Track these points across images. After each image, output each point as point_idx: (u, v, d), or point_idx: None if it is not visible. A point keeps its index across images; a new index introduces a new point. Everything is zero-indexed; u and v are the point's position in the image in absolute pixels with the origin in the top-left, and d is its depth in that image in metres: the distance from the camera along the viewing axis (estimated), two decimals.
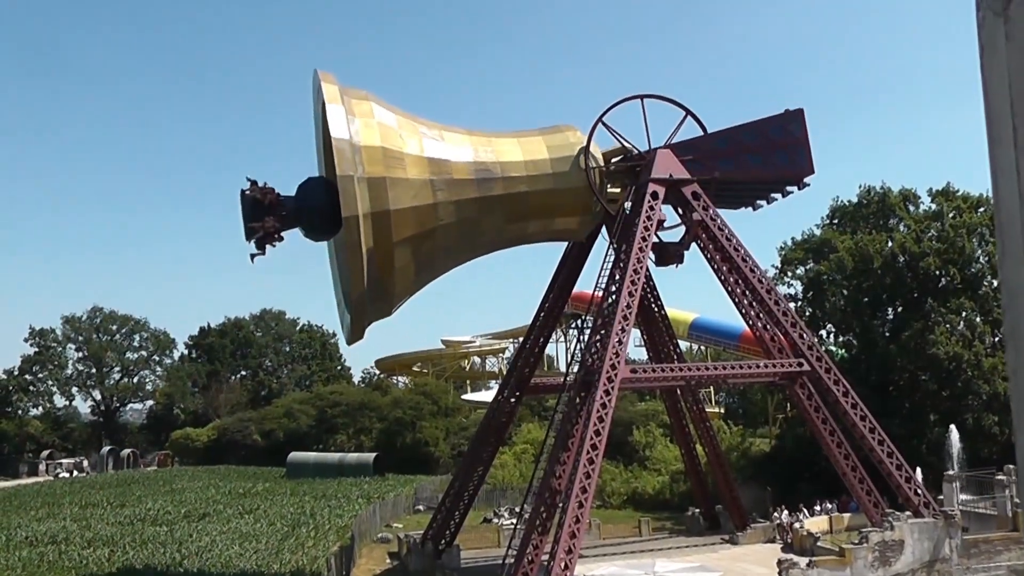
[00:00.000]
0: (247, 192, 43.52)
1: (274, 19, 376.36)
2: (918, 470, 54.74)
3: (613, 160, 50.68)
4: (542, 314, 54.56)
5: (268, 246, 43.96)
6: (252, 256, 43.75)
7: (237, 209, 43.26)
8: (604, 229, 51.37)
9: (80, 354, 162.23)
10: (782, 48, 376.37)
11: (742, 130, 49.38)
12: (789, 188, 50.61)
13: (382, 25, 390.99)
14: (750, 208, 53.28)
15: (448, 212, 44.44)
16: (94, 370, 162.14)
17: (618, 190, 50.74)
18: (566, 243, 53.49)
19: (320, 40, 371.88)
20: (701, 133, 50.43)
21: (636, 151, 49.95)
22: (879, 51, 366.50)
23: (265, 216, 43.11)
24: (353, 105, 42.39)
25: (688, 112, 50.45)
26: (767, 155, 48.87)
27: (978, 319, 68.92)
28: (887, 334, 71.20)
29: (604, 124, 49.04)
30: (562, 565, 38.56)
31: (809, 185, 49.70)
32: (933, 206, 73.89)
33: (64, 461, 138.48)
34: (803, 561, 42.30)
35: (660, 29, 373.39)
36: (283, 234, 44.04)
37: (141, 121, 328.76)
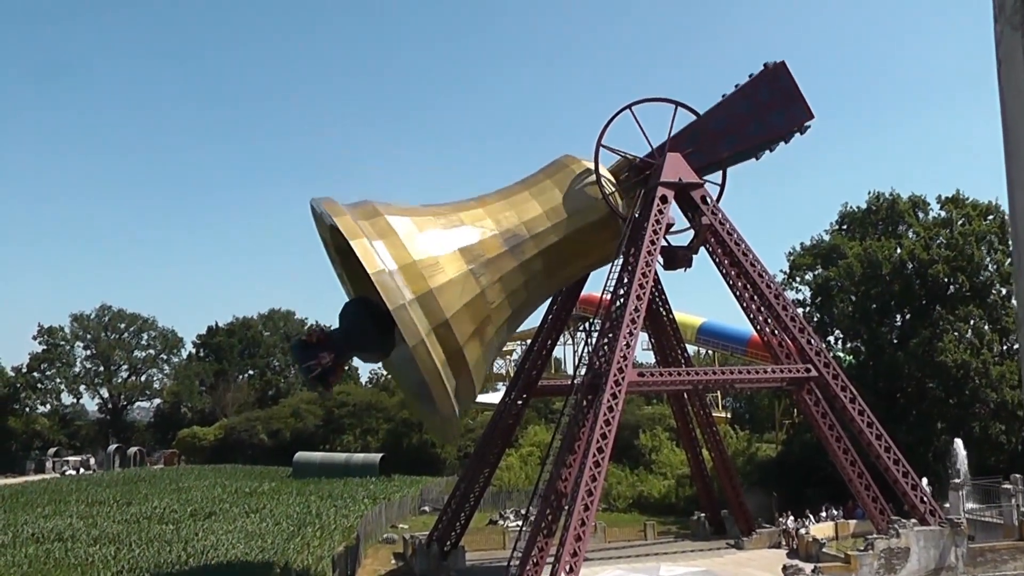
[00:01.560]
0: (295, 340, 44.47)
1: (279, 20, 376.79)
2: (923, 479, 54.83)
3: (622, 176, 50.75)
4: (550, 316, 54.63)
5: (331, 378, 45.53)
6: (320, 393, 45.40)
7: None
8: None
9: (88, 352, 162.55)
10: (790, 52, 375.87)
11: (734, 102, 49.19)
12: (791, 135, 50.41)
13: (375, 27, 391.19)
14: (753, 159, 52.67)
15: (496, 292, 44.54)
16: (102, 368, 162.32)
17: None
18: None
19: (320, 38, 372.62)
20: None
21: (638, 159, 49.97)
22: (889, 57, 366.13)
23: (318, 354, 43.98)
24: (370, 227, 42.06)
25: (678, 105, 50.28)
26: (765, 118, 48.73)
27: (986, 327, 68.64)
28: (895, 341, 71.08)
29: (604, 146, 48.99)
30: (567, 568, 38.60)
31: (810, 127, 49.55)
32: (942, 213, 73.77)
33: (71, 459, 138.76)
34: (808, 567, 42.30)
35: (667, 30, 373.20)
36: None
37: (151, 120, 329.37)
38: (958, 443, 57.70)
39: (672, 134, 49.59)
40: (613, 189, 48.78)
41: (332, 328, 46.79)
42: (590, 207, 48.05)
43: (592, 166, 48.41)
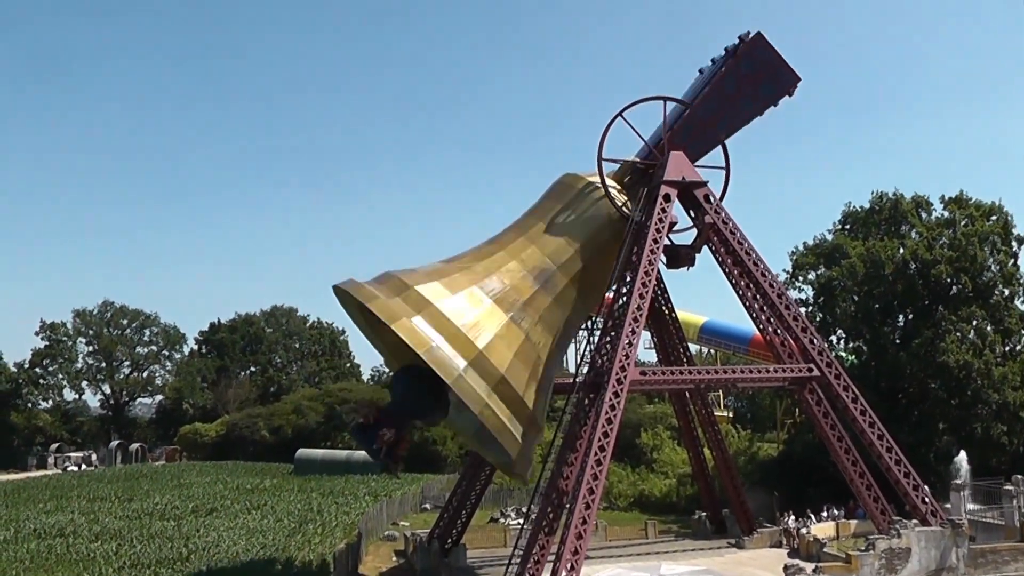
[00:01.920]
0: (353, 425, 48.75)
1: (284, 20, 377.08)
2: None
3: (626, 179, 50.79)
4: None
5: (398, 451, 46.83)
6: (391, 473, 46.36)
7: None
8: None
9: (90, 348, 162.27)
10: (795, 50, 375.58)
11: (720, 83, 48.61)
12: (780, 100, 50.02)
13: (378, 26, 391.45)
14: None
15: (539, 332, 44.93)
16: (104, 364, 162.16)
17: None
18: None
19: (325, 37, 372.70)
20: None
21: (639, 161, 49.98)
22: (894, 58, 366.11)
23: (378, 433, 45.03)
24: (405, 304, 42.53)
25: (667, 100, 50.28)
26: (754, 92, 48.36)
27: (989, 328, 68.60)
28: (897, 341, 70.98)
29: (605, 159, 48.99)
30: (568, 566, 38.64)
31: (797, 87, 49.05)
32: (945, 214, 73.62)
33: (73, 455, 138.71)
34: (809, 567, 42.36)
35: (668, 29, 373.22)
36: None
37: (154, 117, 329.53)
38: (962, 455, 57.70)
39: (667, 131, 49.55)
40: (625, 199, 48.97)
41: (386, 403, 47.81)
42: (606, 223, 48.44)
43: (595, 179, 48.57)
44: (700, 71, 50.98)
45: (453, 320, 42.29)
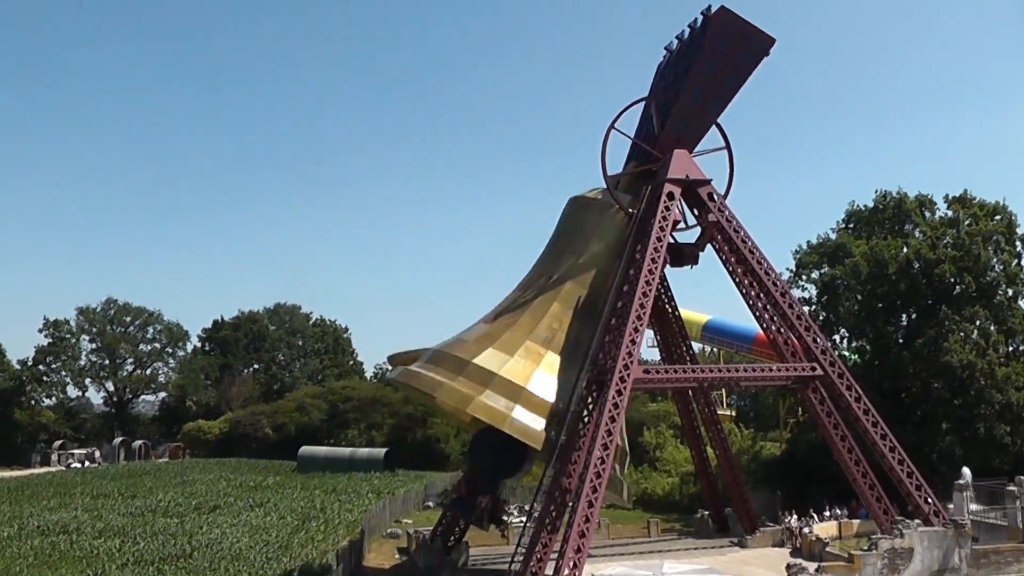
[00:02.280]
0: (451, 502, 52.27)
1: (291, 13, 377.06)
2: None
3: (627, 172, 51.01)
4: None
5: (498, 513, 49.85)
6: (502, 533, 53.07)
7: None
8: None
9: (94, 345, 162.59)
10: (798, 49, 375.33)
11: (699, 69, 47.98)
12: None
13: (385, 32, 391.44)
14: None
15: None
16: (107, 361, 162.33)
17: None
18: None
19: (331, 32, 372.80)
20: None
21: (639, 167, 50.02)
22: (898, 56, 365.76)
23: (475, 502, 48.08)
24: (471, 383, 44.30)
25: (654, 99, 50.34)
26: (734, 66, 47.73)
27: (992, 328, 68.55)
28: (900, 340, 70.95)
29: (610, 178, 49.14)
30: (571, 564, 38.63)
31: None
32: (949, 213, 73.55)
33: (76, 452, 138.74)
34: (812, 566, 42.30)
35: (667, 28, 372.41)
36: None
37: (159, 113, 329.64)
38: (966, 472, 57.75)
39: (663, 131, 49.53)
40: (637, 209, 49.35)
41: (473, 474, 50.25)
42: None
43: (601, 195, 49.22)
44: (666, 49, 50.61)
45: (520, 383, 43.98)
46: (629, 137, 49.53)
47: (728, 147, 51.42)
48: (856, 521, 59.05)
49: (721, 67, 47.55)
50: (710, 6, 47.67)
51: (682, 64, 49.75)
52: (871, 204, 76.82)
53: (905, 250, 70.56)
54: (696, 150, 50.09)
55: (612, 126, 49.05)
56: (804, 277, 76.74)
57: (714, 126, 50.87)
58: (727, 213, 48.46)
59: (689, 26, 49.21)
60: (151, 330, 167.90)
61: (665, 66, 52.84)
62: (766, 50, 47.29)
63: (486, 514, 47.37)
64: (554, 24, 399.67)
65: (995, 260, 69.60)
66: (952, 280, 68.29)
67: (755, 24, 46.99)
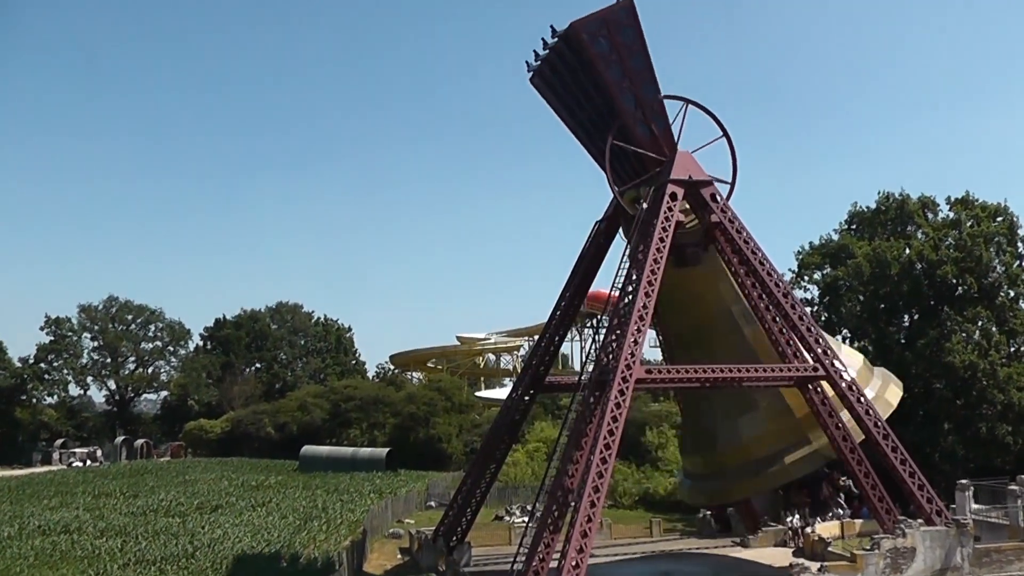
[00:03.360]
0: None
1: (293, 12, 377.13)
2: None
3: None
4: (558, 312, 54.51)
5: None
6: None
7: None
8: (621, 229, 51.35)
9: (95, 343, 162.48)
10: (800, 50, 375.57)
11: (609, 79, 46.29)
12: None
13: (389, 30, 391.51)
14: None
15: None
16: (109, 360, 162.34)
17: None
18: (584, 242, 53.50)
19: (333, 31, 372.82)
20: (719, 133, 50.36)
21: (643, 179, 49.77)
22: (901, 57, 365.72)
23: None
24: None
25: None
26: (625, 50, 45.96)
27: (994, 329, 68.60)
28: (903, 341, 71.02)
29: (619, 196, 49.26)
30: (573, 564, 38.61)
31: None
32: (951, 214, 73.66)
33: (78, 450, 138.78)
34: (814, 566, 42.31)
35: (672, 29, 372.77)
36: None
37: (161, 112, 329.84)
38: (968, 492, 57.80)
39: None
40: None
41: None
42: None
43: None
44: (527, 64, 49.58)
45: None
46: (631, 146, 49.26)
47: (727, 136, 51.09)
48: (858, 521, 58.96)
49: (620, 60, 46.28)
50: (553, 28, 46.75)
51: (580, 85, 49.04)
52: (874, 205, 76.92)
53: (907, 251, 70.69)
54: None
55: (613, 140, 48.87)
56: (806, 278, 76.86)
57: (711, 118, 50.67)
58: (729, 214, 48.42)
59: (547, 45, 47.92)
60: (153, 328, 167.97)
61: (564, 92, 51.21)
62: (631, 11, 45.74)
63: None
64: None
65: (997, 261, 69.77)
66: (954, 281, 68.39)
67: (603, 8, 45.42)
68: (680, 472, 57.02)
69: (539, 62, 49.00)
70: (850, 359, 52.97)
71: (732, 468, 53.10)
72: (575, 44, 46.11)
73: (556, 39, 46.73)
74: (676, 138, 49.08)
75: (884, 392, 54.14)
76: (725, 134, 50.85)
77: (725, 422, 53.27)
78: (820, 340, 47.83)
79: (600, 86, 47.06)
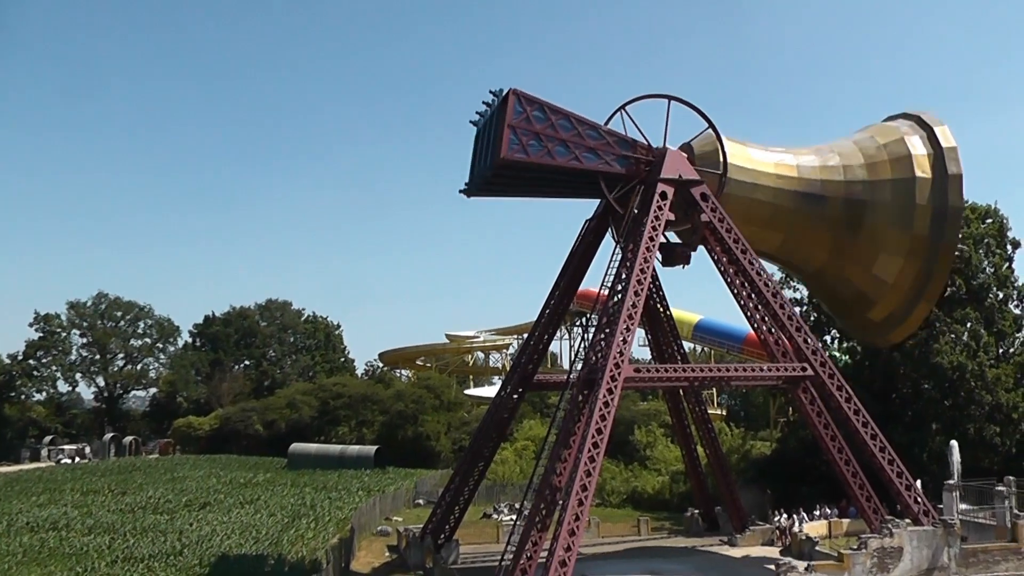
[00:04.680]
0: None
1: (278, 9, 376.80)
2: (918, 481, 54.93)
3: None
4: (547, 311, 54.62)
5: None
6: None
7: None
8: (612, 228, 51.40)
9: (84, 340, 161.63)
10: (790, 51, 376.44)
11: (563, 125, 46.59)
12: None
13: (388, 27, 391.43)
14: None
15: None
16: (98, 356, 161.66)
17: None
18: (574, 240, 53.60)
19: (322, 28, 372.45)
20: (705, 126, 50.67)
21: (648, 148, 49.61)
22: (886, 59, 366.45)
23: None
24: None
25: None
26: (560, 137, 46.20)
27: (983, 330, 68.66)
28: None
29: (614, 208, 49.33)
30: (560, 562, 38.66)
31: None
32: None
33: (66, 447, 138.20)
34: (801, 565, 42.41)
35: (678, 31, 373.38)
36: None
37: (150, 109, 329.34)
38: (954, 446, 57.83)
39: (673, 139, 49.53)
40: None
41: None
42: None
43: None
44: (473, 124, 49.39)
45: None
46: (636, 125, 49.41)
47: (712, 126, 51.20)
48: (846, 520, 59.17)
49: (555, 138, 45.92)
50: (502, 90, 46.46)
51: (535, 178, 49.11)
52: None
53: None
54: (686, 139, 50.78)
55: (623, 108, 49.11)
56: (795, 278, 76.83)
57: (694, 111, 50.76)
58: (719, 213, 48.53)
59: (490, 107, 47.49)
60: (142, 325, 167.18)
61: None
62: (523, 99, 45.45)
63: None
64: (535, 24, 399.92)
65: (986, 263, 69.84)
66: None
67: (505, 115, 45.06)
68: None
69: (476, 184, 49.26)
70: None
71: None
72: (512, 165, 45.98)
73: (491, 168, 46.36)
74: (664, 135, 49.31)
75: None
76: (710, 124, 50.99)
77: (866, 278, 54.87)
78: (809, 340, 47.94)
79: (556, 169, 47.05)
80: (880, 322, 55.81)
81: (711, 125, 50.92)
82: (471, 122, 48.98)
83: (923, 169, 52.59)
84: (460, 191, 49.80)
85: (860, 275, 54.24)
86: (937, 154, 52.96)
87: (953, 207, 52.30)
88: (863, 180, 53.03)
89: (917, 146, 53.44)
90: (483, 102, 47.56)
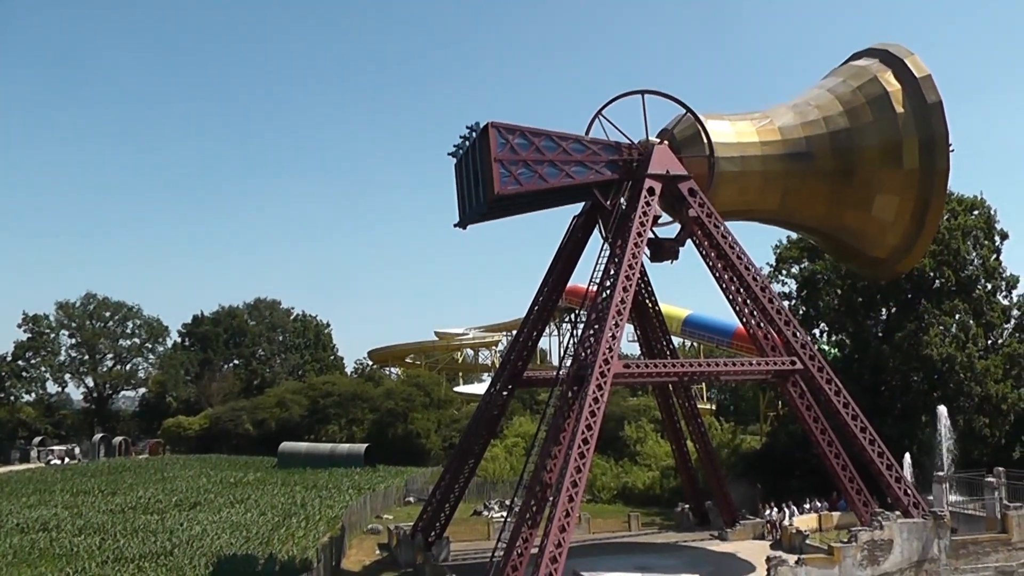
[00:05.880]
0: None
1: (267, 19, 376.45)
2: (907, 464, 55.02)
3: None
4: (536, 307, 54.55)
5: None
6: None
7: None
8: (600, 224, 51.37)
9: (73, 340, 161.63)
10: (780, 50, 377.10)
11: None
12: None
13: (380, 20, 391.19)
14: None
15: None
16: (87, 356, 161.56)
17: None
18: (562, 237, 53.60)
19: (305, 35, 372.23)
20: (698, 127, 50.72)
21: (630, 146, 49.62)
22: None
23: None
24: None
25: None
26: (546, 158, 46.24)
27: (971, 321, 68.77)
28: (880, 334, 71.17)
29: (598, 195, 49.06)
30: (551, 559, 38.62)
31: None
32: None
33: (56, 448, 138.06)
34: (792, 559, 42.37)
35: (668, 26, 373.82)
36: None
37: (139, 111, 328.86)
38: (941, 409, 58.04)
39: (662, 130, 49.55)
40: None
41: None
42: None
43: None
44: (452, 155, 49.32)
45: None
46: (616, 127, 49.46)
47: (692, 112, 51.22)
48: (836, 513, 59.21)
49: (542, 161, 45.96)
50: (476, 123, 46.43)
51: (527, 200, 49.19)
52: None
53: None
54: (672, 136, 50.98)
55: (599, 114, 49.13)
56: (784, 272, 76.86)
57: (673, 101, 50.83)
58: (707, 208, 48.53)
59: (467, 140, 47.51)
60: (131, 325, 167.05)
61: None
62: (504, 129, 45.48)
63: None
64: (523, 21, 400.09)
65: (974, 255, 70.00)
66: (931, 274, 68.47)
67: (489, 147, 45.11)
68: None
69: (473, 217, 49.36)
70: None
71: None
72: (504, 199, 46.15)
73: (487, 204, 46.31)
74: (645, 130, 49.39)
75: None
76: (687, 109, 51.01)
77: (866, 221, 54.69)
78: (798, 334, 47.97)
79: (546, 190, 47.06)
80: (887, 258, 55.40)
81: (688, 110, 50.90)
82: (449, 154, 48.98)
83: (901, 103, 52.35)
84: (455, 225, 50.00)
85: (860, 219, 53.96)
86: (912, 86, 52.63)
87: (939, 134, 51.77)
88: (845, 128, 52.62)
89: (891, 82, 53.13)
90: (460, 136, 47.60)
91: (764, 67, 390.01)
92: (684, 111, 51.28)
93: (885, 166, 52.17)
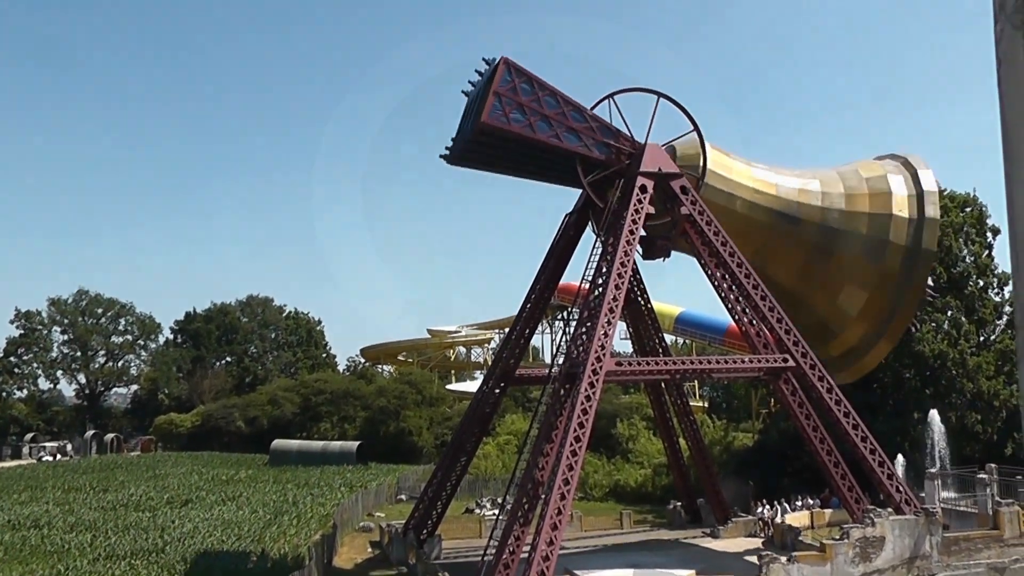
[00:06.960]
0: None
1: (261, 17, 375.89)
2: (900, 463, 55.03)
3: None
4: (528, 305, 54.55)
5: None
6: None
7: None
8: (592, 222, 51.36)
9: (65, 337, 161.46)
10: (776, 49, 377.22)
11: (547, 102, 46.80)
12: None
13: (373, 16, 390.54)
14: None
15: None
16: (79, 353, 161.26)
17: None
18: (554, 235, 53.54)
19: (298, 32, 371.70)
20: (690, 127, 50.59)
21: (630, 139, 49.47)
22: (869, 53, 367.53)
23: None
24: None
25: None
26: (544, 114, 46.28)
27: (963, 318, 68.92)
28: None
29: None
30: (543, 556, 38.60)
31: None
32: None
33: (47, 445, 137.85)
34: (784, 556, 42.42)
35: (667, 26, 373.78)
36: None
37: (132, 107, 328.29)
38: (933, 414, 58.11)
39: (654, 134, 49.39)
40: None
41: None
42: None
43: None
44: (465, 94, 49.22)
45: None
46: (622, 116, 49.30)
47: (697, 130, 51.25)
48: (828, 511, 59.29)
49: (539, 114, 46.06)
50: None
51: (515, 152, 48.99)
52: None
53: None
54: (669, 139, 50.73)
55: (611, 96, 49.04)
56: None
57: (681, 112, 50.70)
58: (699, 206, 48.53)
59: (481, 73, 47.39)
60: (123, 322, 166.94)
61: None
62: (512, 68, 45.53)
63: None
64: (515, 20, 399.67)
65: (966, 251, 70.12)
66: None
67: (492, 83, 45.09)
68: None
69: (457, 150, 49.39)
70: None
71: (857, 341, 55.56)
72: (493, 132, 45.99)
73: (471, 133, 46.45)
74: (647, 131, 49.22)
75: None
76: (696, 127, 50.99)
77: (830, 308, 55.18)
78: (790, 331, 47.96)
79: (535, 144, 46.94)
80: (838, 357, 55.69)
81: (696, 128, 50.87)
82: (463, 92, 48.88)
83: (901, 208, 52.93)
84: (440, 156, 49.98)
85: (825, 303, 54.65)
86: (918, 196, 53.17)
87: (926, 249, 52.92)
88: (840, 209, 53.33)
89: (898, 185, 53.72)
90: (476, 71, 47.51)
91: (764, 66, 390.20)
92: (692, 128, 51.18)
93: (865, 259, 53.35)
